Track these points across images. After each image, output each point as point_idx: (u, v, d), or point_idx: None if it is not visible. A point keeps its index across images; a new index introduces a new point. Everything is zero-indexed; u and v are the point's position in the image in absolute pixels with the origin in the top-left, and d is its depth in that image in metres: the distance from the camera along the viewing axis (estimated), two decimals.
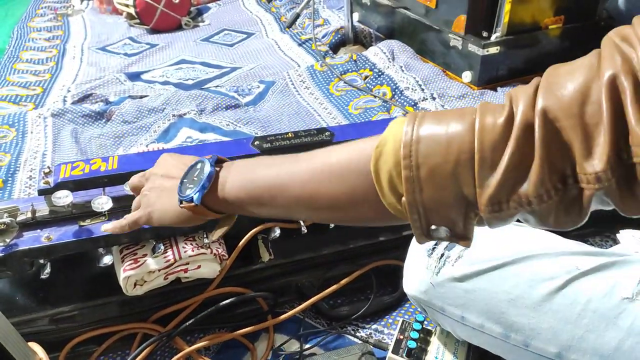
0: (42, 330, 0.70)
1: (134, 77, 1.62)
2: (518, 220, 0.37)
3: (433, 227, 0.37)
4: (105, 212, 0.69)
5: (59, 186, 0.69)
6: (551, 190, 0.33)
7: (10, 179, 1.13)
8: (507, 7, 1.33)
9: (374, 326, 0.77)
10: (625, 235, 0.78)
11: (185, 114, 1.35)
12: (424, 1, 1.56)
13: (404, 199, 0.37)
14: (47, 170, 0.72)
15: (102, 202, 0.68)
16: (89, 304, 0.70)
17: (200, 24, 2.11)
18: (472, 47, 1.39)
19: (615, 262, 0.54)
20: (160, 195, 0.54)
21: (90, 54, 1.87)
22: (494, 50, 1.37)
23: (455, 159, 0.35)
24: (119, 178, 0.71)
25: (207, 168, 0.49)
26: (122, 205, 0.71)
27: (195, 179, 0.50)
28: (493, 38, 1.37)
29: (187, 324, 0.70)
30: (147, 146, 1.18)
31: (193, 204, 0.49)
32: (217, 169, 0.50)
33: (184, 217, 0.52)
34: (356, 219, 0.44)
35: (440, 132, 0.36)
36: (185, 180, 0.51)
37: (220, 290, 0.73)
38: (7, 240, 0.66)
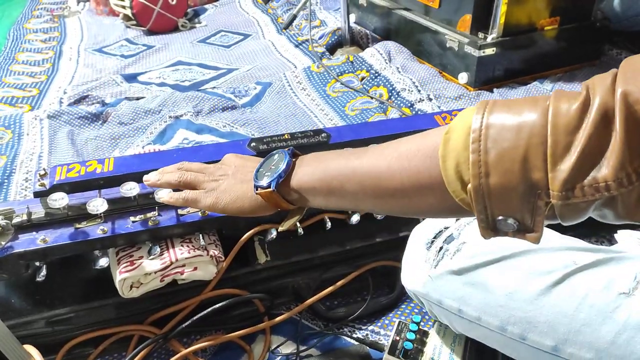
0: (38, 332, 0.70)
1: (131, 78, 1.62)
2: (591, 220, 0.36)
3: (500, 218, 0.36)
4: (101, 214, 0.68)
5: (55, 188, 0.69)
6: (632, 175, 0.32)
7: (6, 181, 1.13)
8: (503, 8, 1.33)
9: (370, 327, 0.77)
10: (623, 235, 0.79)
11: (181, 116, 1.35)
12: (425, 1, 1.56)
13: (469, 186, 0.36)
14: (42, 172, 0.71)
15: (98, 204, 0.68)
16: (85, 306, 0.69)
17: (197, 25, 2.11)
18: (468, 49, 1.39)
19: (612, 258, 0.54)
20: (233, 182, 0.56)
21: (87, 55, 1.86)
22: (490, 51, 1.37)
23: (526, 143, 0.34)
24: (115, 180, 0.71)
25: (285, 158, 0.52)
26: (118, 207, 0.71)
27: (272, 167, 0.53)
28: (489, 39, 1.37)
29: (184, 326, 0.70)
30: (143, 148, 1.18)
31: (270, 189, 0.51)
32: (293, 159, 0.53)
33: (254, 206, 0.54)
34: (420, 209, 0.44)
35: (511, 118, 0.35)
36: (261, 169, 0.54)
37: (216, 292, 0.72)
38: (3, 243, 0.66)
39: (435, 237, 0.62)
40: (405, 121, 0.89)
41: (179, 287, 0.72)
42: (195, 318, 0.70)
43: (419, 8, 1.61)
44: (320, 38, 1.80)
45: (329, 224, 0.76)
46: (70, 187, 0.70)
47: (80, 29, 2.15)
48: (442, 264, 0.59)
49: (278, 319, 0.74)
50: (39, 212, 0.70)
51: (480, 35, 1.40)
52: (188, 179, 0.60)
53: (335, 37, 1.77)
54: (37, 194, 0.69)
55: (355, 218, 0.77)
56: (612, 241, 0.90)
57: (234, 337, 0.73)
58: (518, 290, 0.54)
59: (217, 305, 0.69)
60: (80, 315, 0.69)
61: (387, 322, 0.77)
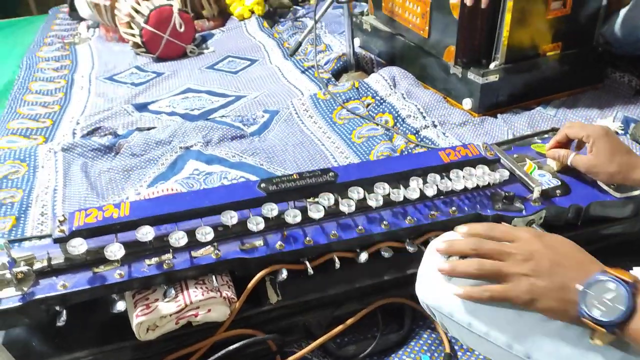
0: None
1: (141, 107, 1.65)
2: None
3: None
4: (118, 259, 0.71)
5: (74, 234, 0.72)
6: None
7: (22, 215, 1.16)
8: (505, 35, 1.36)
9: None
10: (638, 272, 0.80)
11: (191, 146, 1.38)
12: (417, 30, 1.59)
13: None
14: (61, 219, 0.74)
15: (115, 250, 0.70)
16: (103, 349, 0.72)
17: (205, 51, 2.15)
18: (471, 75, 1.41)
19: None
20: (550, 286, 0.53)
21: (98, 84, 1.91)
22: (493, 78, 1.39)
23: None
24: (131, 224, 0.74)
25: (625, 298, 0.48)
26: (133, 251, 0.73)
27: (607, 301, 0.49)
28: (492, 66, 1.40)
29: None
30: (155, 187, 1.20)
31: (601, 329, 0.49)
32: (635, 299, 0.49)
33: (576, 321, 0.52)
34: None
35: None
36: (590, 293, 0.50)
37: (230, 332, 0.75)
38: (25, 289, 0.69)
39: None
40: (410, 158, 0.92)
41: (193, 328, 0.74)
42: None
43: (414, 36, 1.63)
44: (326, 64, 1.83)
45: (337, 264, 0.78)
46: (89, 232, 0.72)
47: (90, 56, 2.20)
48: (455, 278, 0.60)
49: (290, 358, 0.76)
50: (58, 257, 0.73)
51: (483, 62, 1.42)
52: (489, 270, 0.57)
53: (341, 62, 1.80)
54: (57, 240, 0.72)
55: (363, 257, 0.79)
56: None
57: None
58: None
59: (231, 347, 0.71)
60: (98, 358, 0.72)
61: (396, 359, 0.79)
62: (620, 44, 1.48)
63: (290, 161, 1.32)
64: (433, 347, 0.80)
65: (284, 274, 0.76)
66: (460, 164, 0.87)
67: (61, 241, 0.72)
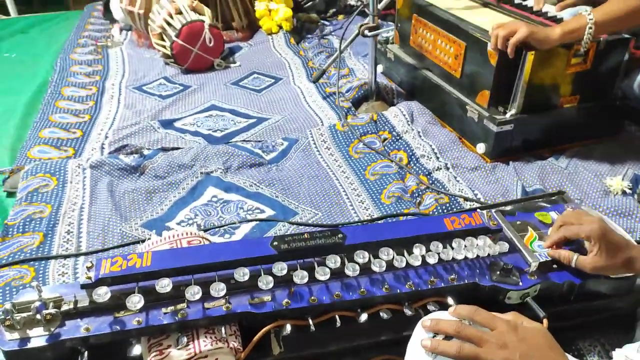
0: None
1: (167, 124, 1.72)
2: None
3: None
4: (137, 309, 0.78)
5: (100, 282, 0.78)
6: None
7: (50, 232, 1.23)
8: (523, 86, 1.39)
9: None
10: (617, 356, 0.83)
11: (212, 172, 1.44)
12: (449, 69, 1.62)
13: None
14: (89, 265, 0.81)
15: (135, 301, 0.77)
16: None
17: (232, 65, 2.21)
18: (487, 123, 1.45)
19: None
20: None
21: (127, 93, 1.98)
22: (508, 127, 1.43)
23: None
24: (152, 275, 0.80)
25: None
26: (151, 300, 0.80)
27: None
28: (508, 116, 1.43)
29: None
30: (176, 231, 1.22)
31: None
32: None
33: None
34: None
35: None
36: None
37: None
38: (52, 329, 0.76)
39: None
40: (416, 223, 0.96)
41: None
42: None
43: (442, 73, 1.67)
44: (347, 91, 1.87)
45: (338, 322, 0.84)
46: (113, 280, 0.79)
47: (122, 62, 2.28)
48: (439, 358, 0.66)
49: None
50: (83, 300, 0.80)
51: (500, 109, 1.46)
52: (466, 354, 0.64)
53: (362, 91, 1.85)
54: (84, 286, 0.79)
55: (363, 317, 0.85)
56: (604, 346, 0.95)
57: None
58: None
59: None
60: None
61: None
62: (638, 101, 1.50)
63: (305, 195, 1.38)
64: None
65: (288, 329, 0.82)
66: (463, 233, 0.92)
67: (88, 287, 0.79)
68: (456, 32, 1.55)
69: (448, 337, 0.68)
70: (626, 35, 1.41)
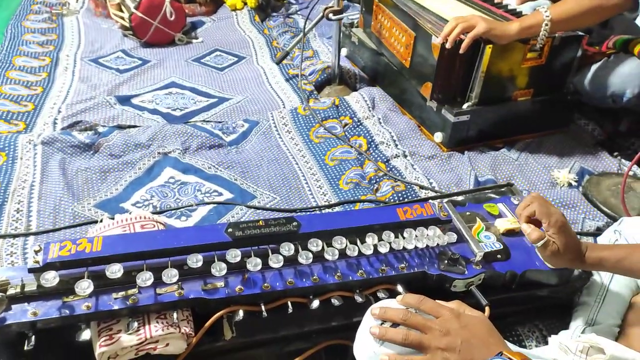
0: None
1: (124, 100, 1.68)
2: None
3: None
4: (87, 294, 0.77)
5: (48, 266, 0.77)
6: None
7: None
8: (480, 79, 1.42)
9: None
10: (553, 342, 0.89)
11: (170, 152, 1.42)
12: (400, 58, 1.64)
13: None
14: (37, 249, 0.79)
15: (84, 286, 0.76)
16: None
17: (193, 40, 2.16)
18: (445, 112, 1.48)
19: None
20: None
21: (83, 65, 1.91)
22: (464, 117, 1.46)
23: None
24: (102, 260, 0.80)
25: None
26: (100, 284, 0.79)
27: None
28: (465, 106, 1.46)
29: None
30: (130, 214, 1.21)
31: None
32: None
33: None
34: None
35: None
36: None
37: None
38: None
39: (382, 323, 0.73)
40: (369, 213, 0.99)
41: (150, 357, 0.81)
42: None
43: (397, 62, 1.68)
44: (310, 74, 1.86)
45: (290, 309, 0.85)
46: (62, 265, 0.78)
47: (78, 32, 2.19)
48: (387, 344, 0.70)
49: None
50: (31, 284, 0.78)
51: (458, 99, 1.49)
52: (412, 341, 0.68)
53: (325, 75, 1.84)
54: (31, 270, 0.77)
55: (315, 304, 0.87)
56: (542, 331, 1.01)
57: None
58: None
59: None
60: None
61: None
62: (588, 97, 1.56)
63: (264, 179, 1.38)
64: None
65: (241, 315, 0.83)
66: (415, 224, 0.94)
67: (35, 271, 0.77)
68: (408, 21, 1.55)
69: (395, 325, 0.72)
70: (580, 33, 1.46)
